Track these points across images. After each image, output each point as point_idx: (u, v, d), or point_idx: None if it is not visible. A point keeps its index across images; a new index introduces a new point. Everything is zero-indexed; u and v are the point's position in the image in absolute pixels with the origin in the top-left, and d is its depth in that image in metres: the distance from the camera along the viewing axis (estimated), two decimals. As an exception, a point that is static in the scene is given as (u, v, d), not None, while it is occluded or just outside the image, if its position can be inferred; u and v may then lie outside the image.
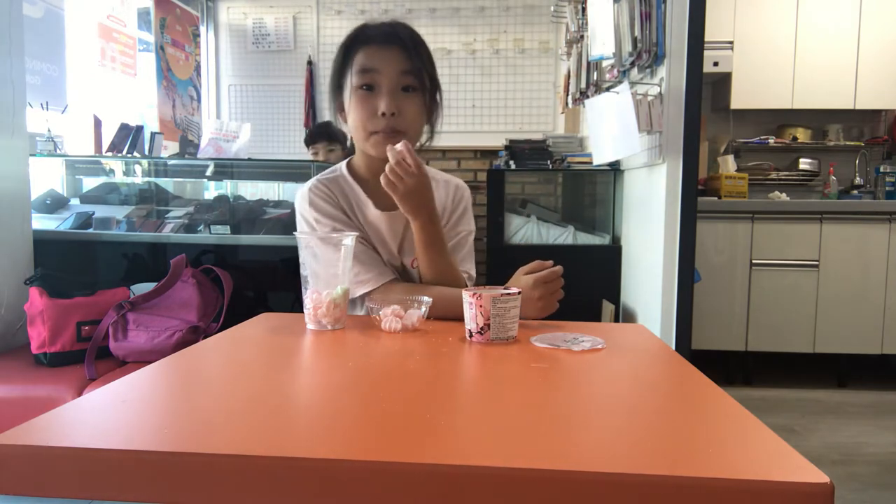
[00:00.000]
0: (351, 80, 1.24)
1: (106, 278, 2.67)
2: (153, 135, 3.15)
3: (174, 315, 2.03)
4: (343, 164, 1.39)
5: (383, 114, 1.22)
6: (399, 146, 1.18)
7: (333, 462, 0.54)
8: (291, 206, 2.93)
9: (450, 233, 1.37)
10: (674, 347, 2.45)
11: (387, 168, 1.18)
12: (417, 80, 1.24)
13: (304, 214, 1.31)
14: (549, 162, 3.57)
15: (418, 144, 1.32)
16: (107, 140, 3.09)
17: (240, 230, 2.69)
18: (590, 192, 3.86)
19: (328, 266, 1.11)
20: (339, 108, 1.32)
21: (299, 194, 1.33)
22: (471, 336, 1.01)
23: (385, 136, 1.24)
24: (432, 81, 1.28)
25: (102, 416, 0.66)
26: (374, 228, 1.33)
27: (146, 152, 3.09)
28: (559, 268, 1.19)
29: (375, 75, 1.22)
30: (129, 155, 3.04)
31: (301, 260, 1.10)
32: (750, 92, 3.68)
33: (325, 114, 4.69)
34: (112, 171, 3.17)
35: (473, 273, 1.39)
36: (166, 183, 3.34)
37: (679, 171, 2.46)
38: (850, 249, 3.35)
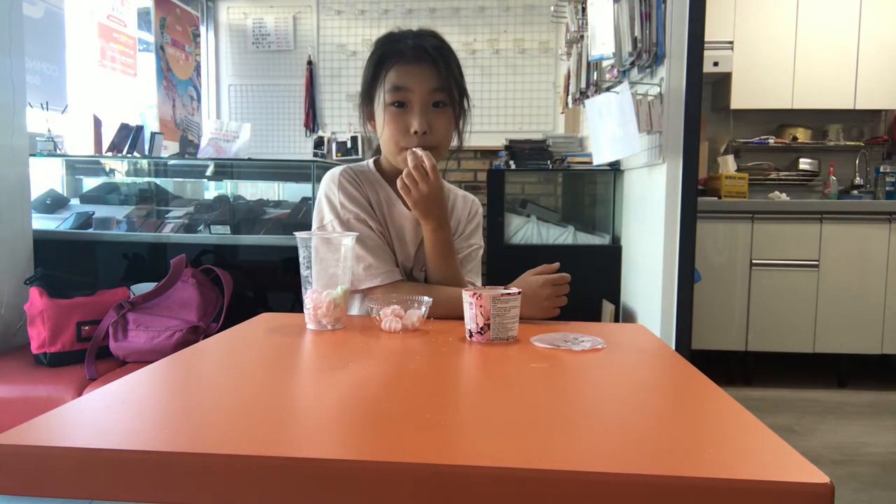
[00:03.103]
0: (383, 96, 1.26)
1: (106, 278, 2.67)
2: (153, 135, 3.15)
3: (174, 315, 2.03)
4: (370, 162, 1.40)
5: (415, 132, 1.24)
6: (418, 151, 1.21)
7: (333, 462, 0.54)
8: (292, 206, 2.94)
9: (462, 244, 1.41)
10: (674, 347, 2.45)
11: (404, 172, 1.23)
12: (448, 95, 1.27)
13: (330, 196, 1.31)
14: (549, 162, 3.57)
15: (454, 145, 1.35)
16: (107, 140, 3.09)
17: (240, 230, 2.69)
18: (590, 192, 3.86)
19: (328, 266, 1.11)
20: (369, 117, 1.34)
21: (327, 176, 1.34)
22: (471, 336, 1.01)
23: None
24: (460, 91, 1.31)
25: (102, 416, 0.66)
26: (397, 227, 1.35)
27: (146, 152, 3.09)
28: (568, 275, 1.21)
29: (407, 93, 1.25)
30: (129, 155, 3.04)
31: (301, 260, 1.10)
32: (750, 92, 3.68)
33: (325, 114, 4.70)
34: (112, 171, 3.17)
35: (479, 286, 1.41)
36: (166, 183, 3.34)
37: (679, 171, 2.46)
38: (850, 249, 3.35)
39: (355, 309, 1.33)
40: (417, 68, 1.25)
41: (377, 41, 1.30)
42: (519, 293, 1.01)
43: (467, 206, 1.46)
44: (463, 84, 1.31)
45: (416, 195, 1.23)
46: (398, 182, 1.24)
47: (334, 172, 1.33)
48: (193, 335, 1.98)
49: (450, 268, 1.31)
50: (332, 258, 1.12)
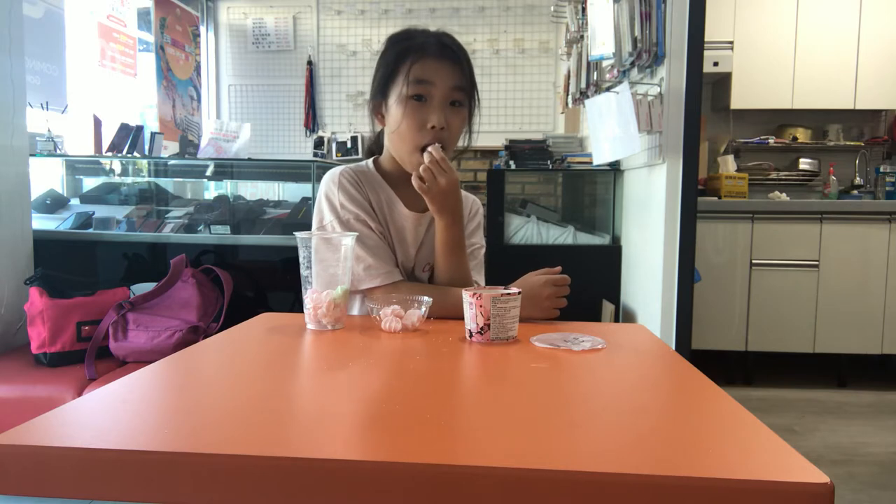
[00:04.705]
0: (402, 89, 1.24)
1: (106, 278, 2.67)
2: (153, 135, 3.15)
3: (174, 315, 2.03)
4: (369, 162, 1.40)
5: (433, 127, 1.23)
6: (432, 148, 1.21)
7: (333, 462, 0.54)
8: (291, 206, 2.94)
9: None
10: (674, 347, 2.45)
11: (421, 168, 1.22)
12: (465, 95, 1.27)
13: (330, 196, 1.31)
14: (549, 162, 3.57)
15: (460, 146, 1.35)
16: (107, 140, 3.09)
17: (240, 230, 2.69)
18: (590, 192, 3.86)
19: (328, 266, 1.11)
20: (378, 111, 1.33)
21: (327, 177, 1.33)
22: (471, 336, 1.01)
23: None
24: (474, 93, 1.31)
25: (102, 416, 0.66)
26: (398, 227, 1.35)
27: (146, 152, 3.09)
28: (569, 277, 1.21)
29: (429, 87, 1.24)
30: (129, 155, 3.04)
31: (301, 260, 1.10)
32: (750, 92, 3.68)
33: (325, 114, 4.70)
34: (112, 171, 3.18)
35: (483, 284, 1.41)
36: (166, 183, 3.34)
37: (679, 171, 2.46)
38: (850, 249, 3.35)
39: (355, 309, 1.33)
40: (441, 64, 1.24)
41: (394, 38, 1.29)
42: (519, 293, 1.01)
43: (467, 205, 1.45)
44: (475, 84, 1.32)
45: (435, 189, 1.22)
46: (413, 179, 1.23)
47: (334, 173, 1.33)
48: (193, 335, 1.98)
49: (460, 265, 1.31)
50: (333, 258, 1.12)
